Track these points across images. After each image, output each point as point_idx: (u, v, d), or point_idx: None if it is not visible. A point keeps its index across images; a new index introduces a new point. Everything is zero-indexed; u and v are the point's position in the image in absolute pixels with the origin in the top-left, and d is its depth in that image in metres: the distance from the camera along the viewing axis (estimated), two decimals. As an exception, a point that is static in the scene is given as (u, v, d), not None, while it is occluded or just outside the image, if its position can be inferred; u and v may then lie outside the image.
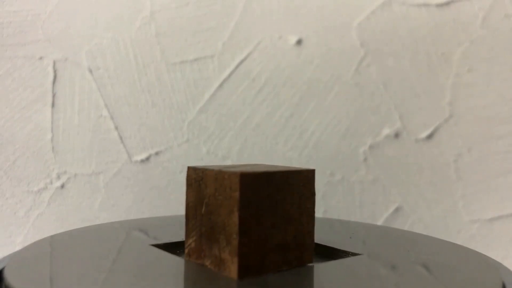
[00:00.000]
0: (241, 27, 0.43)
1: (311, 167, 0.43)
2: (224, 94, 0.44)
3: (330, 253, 0.25)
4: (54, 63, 0.44)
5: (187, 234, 0.23)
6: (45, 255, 0.23)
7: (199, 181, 0.22)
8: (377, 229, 0.31)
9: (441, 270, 0.22)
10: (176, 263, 0.22)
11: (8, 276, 0.19)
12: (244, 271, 0.20)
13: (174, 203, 0.44)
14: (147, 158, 0.44)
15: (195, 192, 0.22)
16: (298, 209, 0.22)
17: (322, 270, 0.21)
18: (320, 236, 0.28)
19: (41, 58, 0.44)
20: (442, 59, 0.42)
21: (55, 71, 0.44)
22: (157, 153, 0.44)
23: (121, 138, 0.44)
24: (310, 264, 0.22)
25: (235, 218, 0.20)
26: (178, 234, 0.27)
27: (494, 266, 0.23)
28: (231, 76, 0.43)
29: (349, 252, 0.24)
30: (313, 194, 0.22)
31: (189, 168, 0.23)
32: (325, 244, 0.26)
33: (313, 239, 0.22)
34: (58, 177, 0.45)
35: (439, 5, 0.41)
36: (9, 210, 0.45)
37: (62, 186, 0.45)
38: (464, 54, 0.41)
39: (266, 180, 0.21)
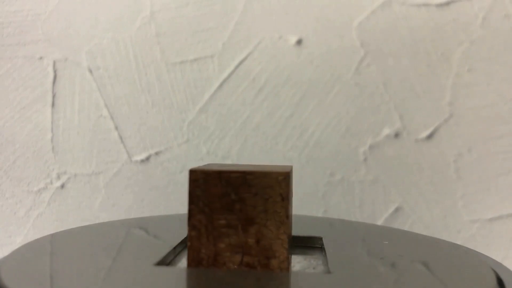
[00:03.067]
0: (241, 27, 0.43)
1: (311, 167, 0.43)
2: (224, 94, 0.44)
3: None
4: (54, 63, 0.44)
5: None
6: (39, 254, 0.23)
7: None
8: (376, 228, 0.31)
9: (439, 269, 0.22)
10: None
11: (3, 276, 0.19)
12: (194, 262, 0.21)
13: (174, 203, 0.44)
14: (147, 158, 0.44)
15: None
16: (264, 212, 0.21)
17: (292, 278, 0.21)
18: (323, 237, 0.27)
19: (41, 58, 0.44)
20: (442, 59, 0.42)
21: (55, 71, 0.44)
22: (157, 153, 0.44)
23: (121, 138, 0.44)
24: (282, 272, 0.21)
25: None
26: (178, 231, 0.28)
27: (487, 264, 0.23)
28: (231, 76, 0.43)
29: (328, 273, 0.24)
30: (284, 198, 0.21)
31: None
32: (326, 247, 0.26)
33: (285, 247, 0.21)
34: (58, 177, 0.45)
35: (439, 5, 0.41)
36: (9, 210, 0.45)
37: (62, 186, 0.45)
38: (464, 54, 0.41)
39: (218, 179, 0.21)
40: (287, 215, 0.21)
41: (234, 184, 0.21)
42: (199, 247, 0.21)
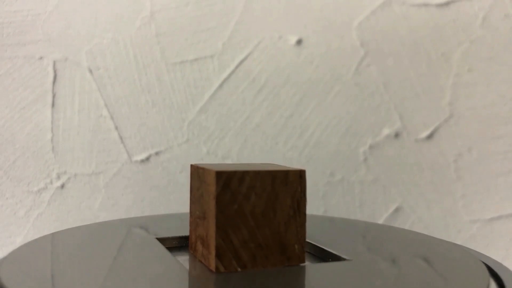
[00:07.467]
0: (241, 27, 0.43)
1: (311, 167, 0.43)
2: (224, 94, 0.44)
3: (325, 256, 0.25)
4: (54, 63, 0.44)
5: None
6: (39, 254, 0.23)
7: None
8: (376, 227, 0.31)
9: (437, 268, 0.22)
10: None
11: (3, 276, 0.19)
12: (190, 246, 0.24)
13: (174, 203, 0.44)
14: (147, 158, 0.44)
15: None
16: (208, 209, 0.22)
17: (223, 279, 0.20)
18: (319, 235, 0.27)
19: (41, 58, 0.44)
20: (442, 59, 0.42)
21: (55, 71, 0.44)
22: (157, 153, 0.44)
23: (121, 138, 0.44)
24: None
25: None
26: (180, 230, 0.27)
27: (478, 260, 0.23)
28: (231, 76, 0.43)
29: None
30: (214, 196, 0.21)
31: None
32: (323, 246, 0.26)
33: (213, 245, 0.21)
34: (58, 177, 0.45)
35: (439, 5, 0.41)
36: (9, 210, 0.45)
37: (62, 186, 0.45)
38: (464, 54, 0.41)
39: (196, 174, 0.23)
40: (215, 215, 0.21)
41: (201, 179, 0.23)
42: (192, 232, 0.24)
